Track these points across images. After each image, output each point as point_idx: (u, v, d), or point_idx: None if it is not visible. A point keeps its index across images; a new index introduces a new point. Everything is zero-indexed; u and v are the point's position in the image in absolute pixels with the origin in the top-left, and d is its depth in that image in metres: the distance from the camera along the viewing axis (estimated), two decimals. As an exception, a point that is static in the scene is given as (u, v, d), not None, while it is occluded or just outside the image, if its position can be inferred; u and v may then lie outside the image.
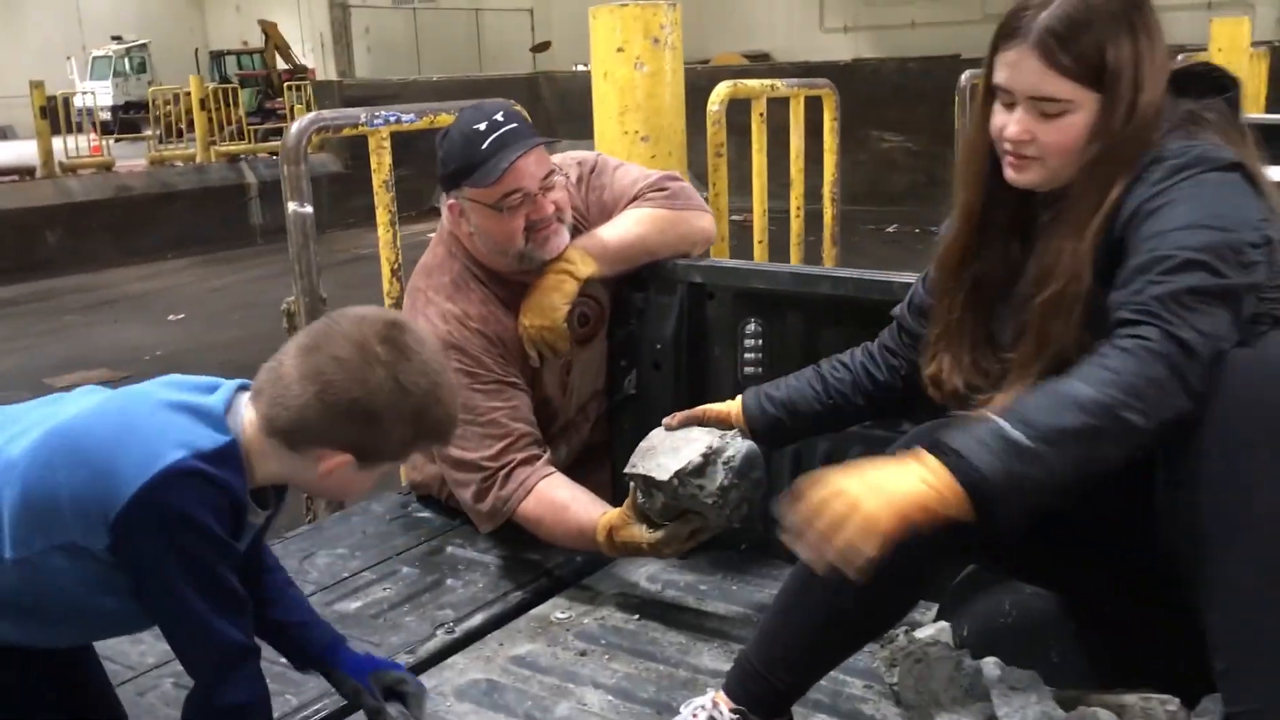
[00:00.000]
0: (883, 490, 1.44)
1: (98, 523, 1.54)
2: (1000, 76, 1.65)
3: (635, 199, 2.61)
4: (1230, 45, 8.40)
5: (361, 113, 3.08)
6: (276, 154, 16.65)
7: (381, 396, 1.56)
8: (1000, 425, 1.43)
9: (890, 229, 13.28)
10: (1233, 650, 1.49)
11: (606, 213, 2.62)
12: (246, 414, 1.64)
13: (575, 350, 2.61)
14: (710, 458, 2.04)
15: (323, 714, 2.03)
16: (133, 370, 8.00)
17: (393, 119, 3.13)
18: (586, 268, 2.49)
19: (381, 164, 3.11)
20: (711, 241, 2.66)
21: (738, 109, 4.05)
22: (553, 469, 2.48)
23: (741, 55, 21.56)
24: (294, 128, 2.94)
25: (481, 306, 2.52)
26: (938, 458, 1.45)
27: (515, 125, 2.40)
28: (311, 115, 2.99)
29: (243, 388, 1.68)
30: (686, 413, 2.12)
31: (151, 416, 1.61)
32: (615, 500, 2.74)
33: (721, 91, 4.05)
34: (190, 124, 16.55)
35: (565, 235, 2.49)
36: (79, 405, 1.66)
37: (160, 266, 12.97)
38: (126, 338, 9.25)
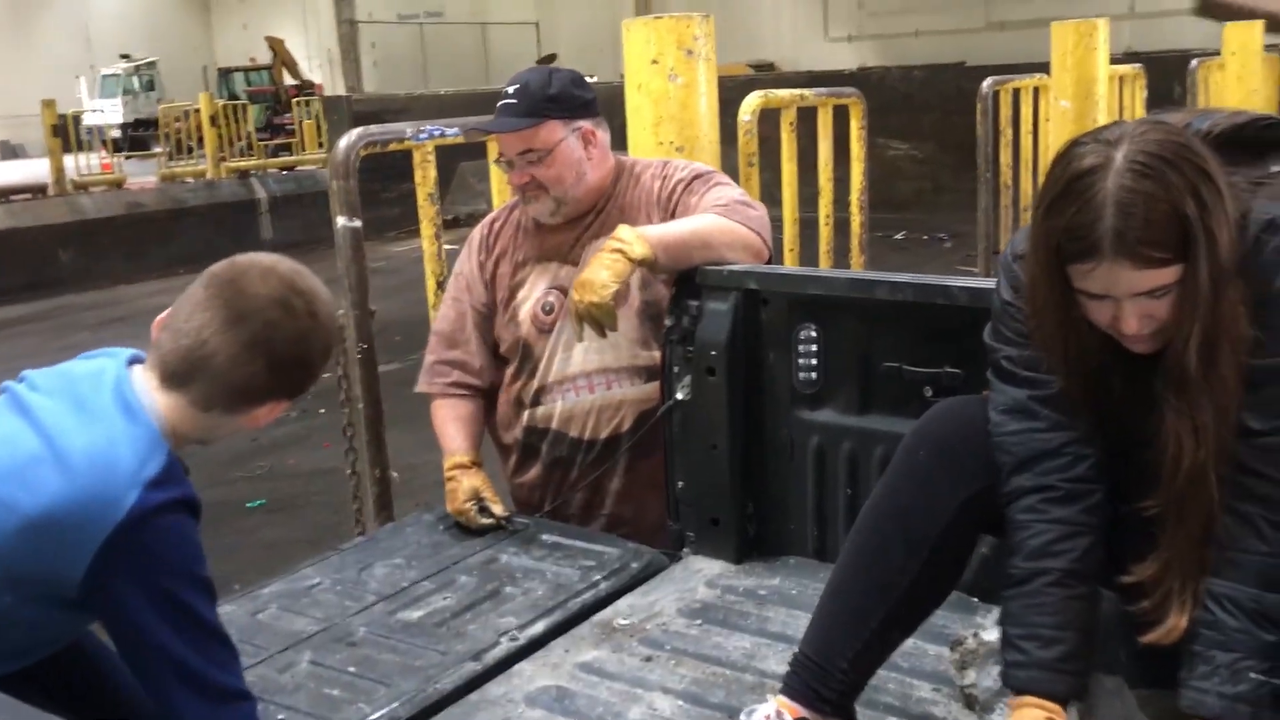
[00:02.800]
0: None
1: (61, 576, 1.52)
2: (1091, 286, 1.57)
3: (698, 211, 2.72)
4: (1243, 49, 8.41)
5: (407, 127, 3.11)
6: (286, 169, 16.88)
7: (315, 344, 1.70)
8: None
9: (898, 236, 13.33)
10: None
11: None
12: (160, 398, 1.63)
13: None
14: None
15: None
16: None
17: (436, 133, 3.16)
18: (640, 249, 2.53)
19: (426, 177, 3.14)
20: (761, 259, 2.68)
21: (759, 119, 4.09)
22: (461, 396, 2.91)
23: (747, 65, 21.61)
24: (342, 143, 2.97)
25: (509, 225, 2.92)
26: None
27: (514, 101, 2.72)
28: (359, 131, 3.01)
29: (134, 360, 1.68)
30: None
31: (90, 447, 1.54)
32: (667, 508, 2.76)
33: (753, 102, 4.09)
34: (200, 140, 16.64)
35: (546, 204, 2.78)
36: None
37: (172, 282, 12.94)
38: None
